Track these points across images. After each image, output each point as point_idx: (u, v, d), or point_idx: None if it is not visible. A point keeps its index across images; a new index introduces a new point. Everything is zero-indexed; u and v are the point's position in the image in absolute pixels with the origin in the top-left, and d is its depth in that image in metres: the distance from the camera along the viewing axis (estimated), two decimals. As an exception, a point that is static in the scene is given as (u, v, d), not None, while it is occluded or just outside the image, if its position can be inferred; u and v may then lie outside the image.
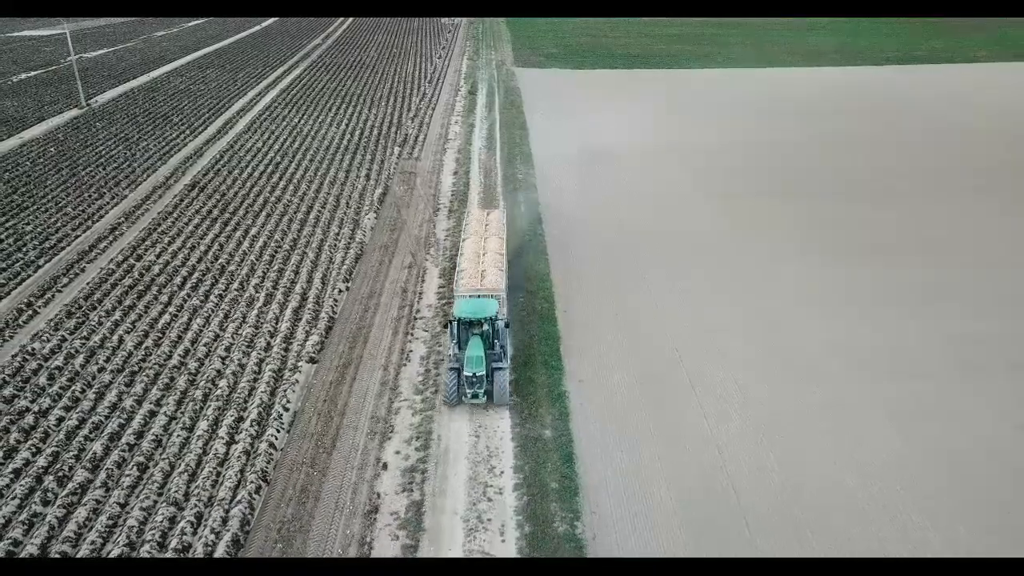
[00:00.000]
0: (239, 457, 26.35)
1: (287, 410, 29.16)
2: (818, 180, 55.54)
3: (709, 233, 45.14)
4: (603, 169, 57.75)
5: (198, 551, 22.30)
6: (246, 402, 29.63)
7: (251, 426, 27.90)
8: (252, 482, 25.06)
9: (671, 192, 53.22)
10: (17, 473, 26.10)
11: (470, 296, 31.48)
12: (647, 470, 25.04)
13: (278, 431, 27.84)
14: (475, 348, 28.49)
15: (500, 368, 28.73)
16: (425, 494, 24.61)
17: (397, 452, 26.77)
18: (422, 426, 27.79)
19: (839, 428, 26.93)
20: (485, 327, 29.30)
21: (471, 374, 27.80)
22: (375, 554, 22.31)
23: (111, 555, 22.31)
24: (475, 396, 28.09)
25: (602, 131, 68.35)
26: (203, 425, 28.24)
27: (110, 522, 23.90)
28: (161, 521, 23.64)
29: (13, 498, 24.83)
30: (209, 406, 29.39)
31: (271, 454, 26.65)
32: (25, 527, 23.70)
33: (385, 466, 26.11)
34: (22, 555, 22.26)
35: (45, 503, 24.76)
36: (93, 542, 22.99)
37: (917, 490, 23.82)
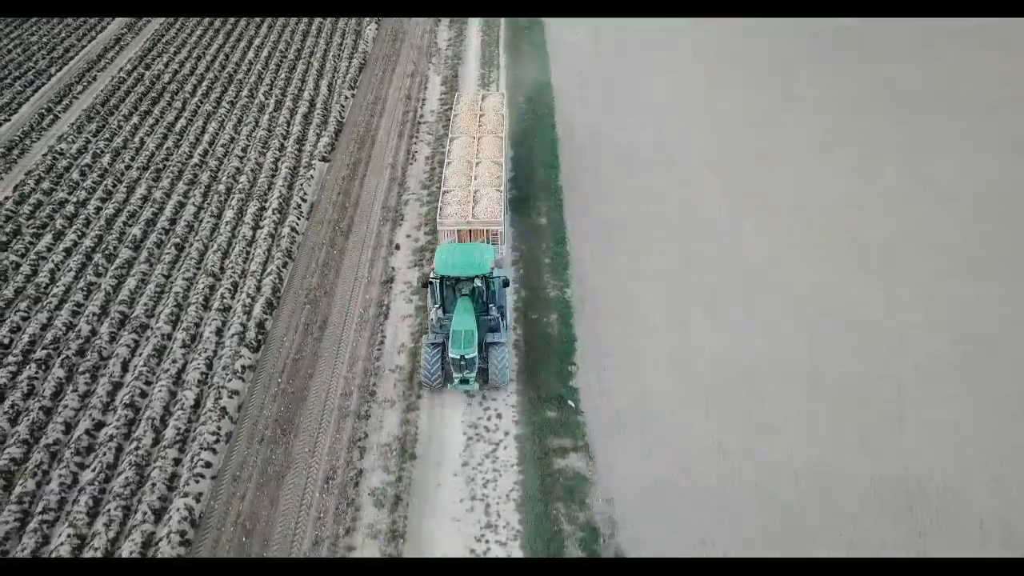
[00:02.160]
0: (265, 239, 29.27)
1: (304, 201, 31.77)
2: None
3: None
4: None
5: (237, 311, 25.70)
6: (266, 194, 32.20)
7: (273, 214, 30.61)
8: (279, 259, 28.13)
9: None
10: (68, 251, 29.19)
11: (458, 231, 26.33)
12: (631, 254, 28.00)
13: (298, 218, 30.60)
14: (463, 317, 21.98)
15: (497, 343, 22.15)
16: (433, 268, 27.75)
17: (408, 236, 29.65)
18: (429, 215, 30.45)
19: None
20: (477, 283, 23.03)
21: (458, 356, 21.36)
22: (393, 314, 25.70)
23: (162, 315, 25.73)
24: (464, 381, 21.89)
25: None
26: (229, 214, 30.98)
27: (157, 290, 27.25)
28: (202, 288, 26.94)
29: (68, 270, 28.04)
30: (232, 198, 32.00)
31: (294, 237, 29.56)
32: (84, 293, 27.07)
33: (397, 247, 29.09)
34: (80, 325, 25.54)
35: (97, 275, 27.99)
36: (145, 304, 26.42)
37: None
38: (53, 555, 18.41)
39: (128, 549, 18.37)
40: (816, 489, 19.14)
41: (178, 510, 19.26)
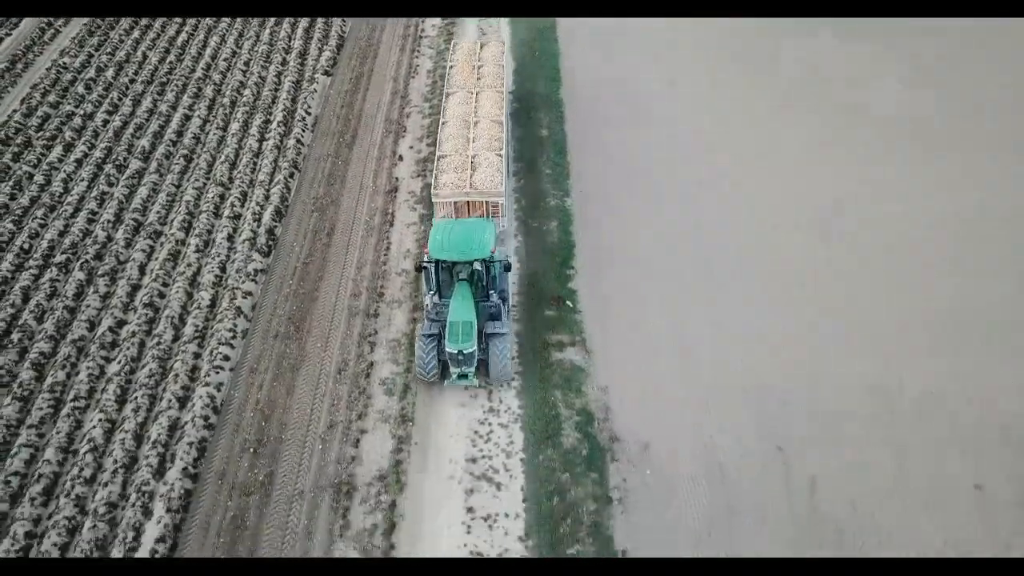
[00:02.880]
0: (271, 151, 29.86)
1: (309, 114, 32.19)
2: None
3: None
4: None
5: (247, 219, 26.56)
6: (271, 108, 32.60)
7: (278, 127, 31.09)
8: (285, 169, 28.80)
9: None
10: (79, 162, 29.84)
11: (454, 204, 24.03)
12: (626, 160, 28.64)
13: (303, 131, 31.09)
14: (461, 306, 20.11)
15: (498, 333, 20.37)
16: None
17: (411, 147, 30.21)
18: (431, 127, 30.92)
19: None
20: (476, 266, 21.04)
21: (456, 351, 19.62)
22: (398, 221, 26.55)
23: (174, 222, 26.60)
24: (462, 377, 20.19)
25: None
26: (235, 127, 31.46)
27: (169, 199, 28.04)
28: (212, 197, 27.73)
29: (81, 180, 28.77)
30: (238, 111, 32.40)
31: (299, 148, 30.14)
32: (98, 201, 27.87)
33: (401, 157, 29.70)
34: (96, 232, 26.40)
35: (109, 185, 28.73)
36: (158, 212, 27.27)
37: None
38: (86, 437, 19.80)
39: (156, 432, 19.76)
40: (804, 387, 20.37)
41: (200, 398, 20.59)
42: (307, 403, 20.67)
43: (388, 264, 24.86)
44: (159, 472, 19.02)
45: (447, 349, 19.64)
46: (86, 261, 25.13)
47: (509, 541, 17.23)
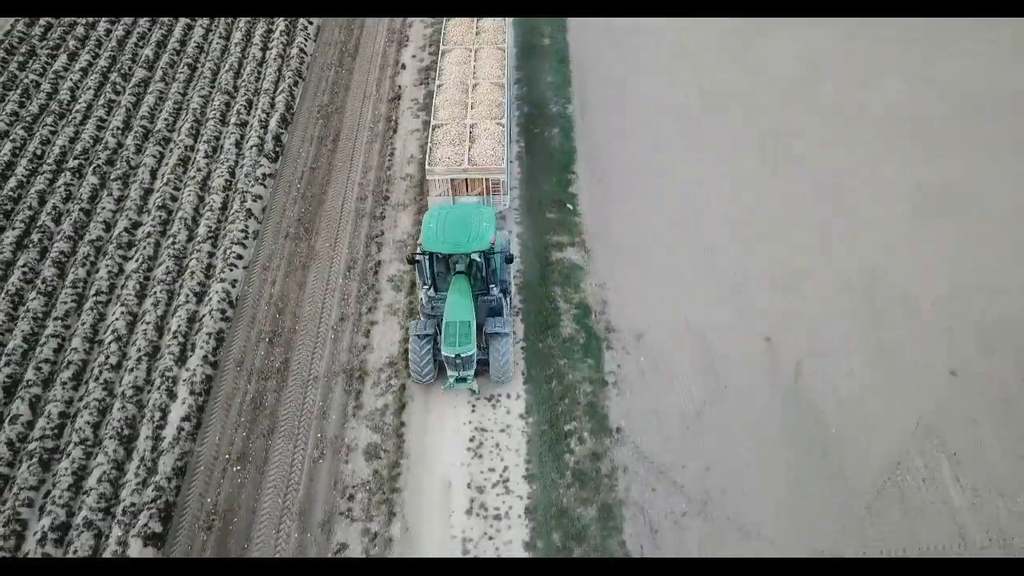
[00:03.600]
0: (275, 59, 30.05)
1: (311, 23, 32.20)
2: None
3: None
4: None
5: (254, 126, 27.02)
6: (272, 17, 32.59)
7: (281, 36, 31.15)
8: (289, 78, 29.08)
9: None
10: (84, 71, 30.09)
11: (450, 181, 21.99)
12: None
13: (305, 40, 31.18)
14: (458, 303, 18.29)
15: (499, 333, 18.51)
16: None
17: (413, 56, 30.38)
18: (434, 36, 30.96)
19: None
20: (475, 257, 18.82)
21: (453, 355, 17.87)
22: (401, 128, 27.02)
23: (182, 129, 27.07)
24: (461, 380, 18.58)
25: None
26: (237, 35, 31.55)
27: (175, 106, 28.43)
28: (218, 105, 28.11)
29: (87, 88, 29.09)
30: (240, 19, 32.39)
31: (302, 57, 30.32)
32: (106, 109, 28.28)
33: (403, 66, 29.92)
34: (106, 138, 26.86)
35: (116, 93, 29.04)
36: (166, 119, 27.71)
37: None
38: (110, 328, 20.87)
39: (176, 323, 20.82)
40: (793, 281, 21.33)
41: (216, 293, 21.58)
42: (319, 298, 21.66)
43: (392, 169, 25.46)
44: (181, 360, 20.15)
45: (443, 353, 17.82)
46: (98, 166, 25.74)
47: (511, 419, 18.45)
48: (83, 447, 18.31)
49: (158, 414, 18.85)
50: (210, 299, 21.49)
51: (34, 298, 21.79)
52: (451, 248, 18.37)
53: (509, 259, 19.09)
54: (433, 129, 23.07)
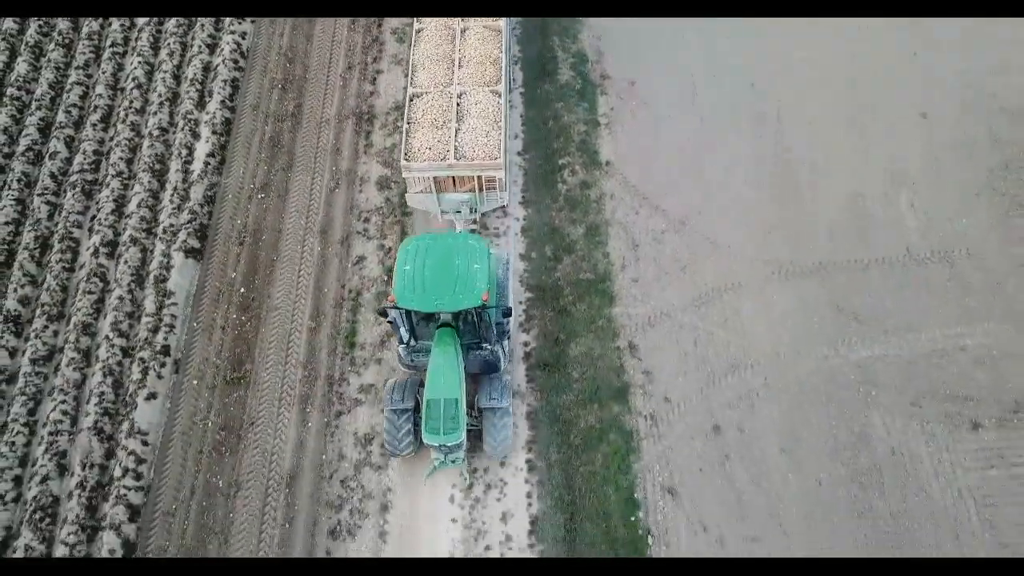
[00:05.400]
0: None
1: None
2: None
3: None
4: None
5: None
6: None
7: None
8: None
9: None
10: None
11: (434, 178, 17.26)
12: None
13: None
14: (441, 371, 14.54)
15: (495, 408, 15.16)
16: None
17: None
18: None
19: None
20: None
21: (436, 445, 14.52)
22: None
23: None
24: (450, 463, 15.14)
25: None
26: None
27: None
28: None
29: None
30: None
31: None
32: None
33: None
34: None
35: None
36: None
37: None
38: (130, 76, 21.96)
39: (192, 72, 21.88)
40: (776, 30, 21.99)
41: (228, 44, 22.42)
42: (326, 49, 22.52)
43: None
44: (200, 104, 21.46)
45: (424, 439, 14.42)
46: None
47: (511, 156, 20.01)
48: (120, 179, 20.13)
49: (184, 151, 20.47)
50: (222, 50, 22.38)
51: (53, 50, 22.72)
52: (431, 306, 14.46)
53: (507, 313, 14.99)
54: (410, 101, 17.96)
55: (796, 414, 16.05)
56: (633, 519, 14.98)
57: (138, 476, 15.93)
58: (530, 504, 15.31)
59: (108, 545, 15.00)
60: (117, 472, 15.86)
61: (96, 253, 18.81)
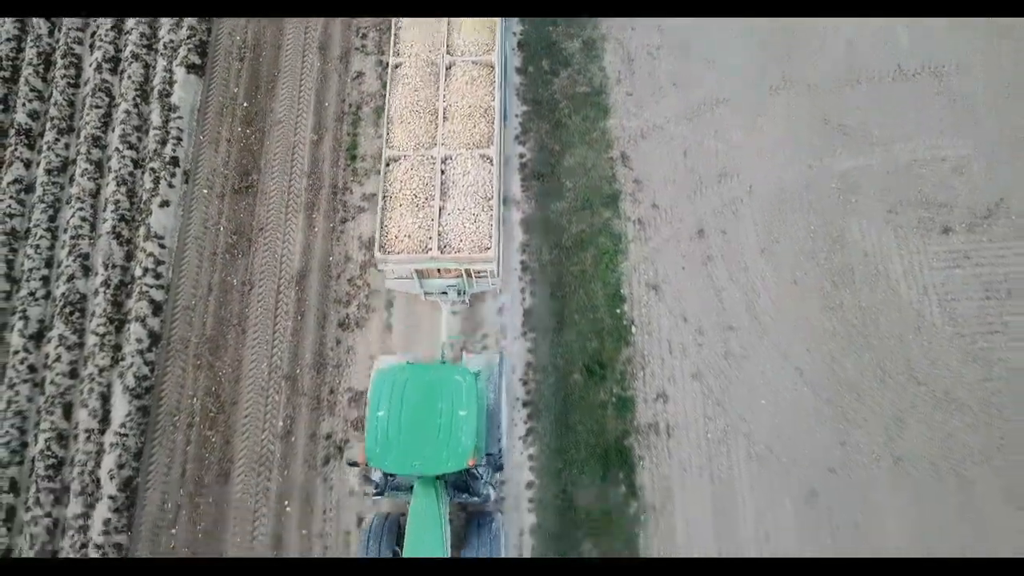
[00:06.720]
0: None
1: None
2: None
3: None
4: None
5: None
6: None
7: None
8: None
9: None
10: None
11: (415, 270, 14.86)
12: None
13: None
14: (421, 527, 12.17)
15: (484, 523, 13.71)
16: None
17: None
18: None
19: None
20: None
21: None
22: None
23: None
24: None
25: None
26: None
27: None
28: None
29: None
30: None
31: None
32: None
33: None
34: None
35: None
36: None
37: None
38: None
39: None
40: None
41: None
42: None
43: None
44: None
45: None
46: None
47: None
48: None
49: None
50: None
51: None
52: (407, 468, 12.32)
53: (499, 468, 13.77)
54: (386, 166, 15.11)
55: (777, 219, 16.87)
56: (618, 311, 16.16)
57: (158, 276, 17.05)
58: (524, 300, 16.46)
59: (135, 335, 16.33)
60: (138, 272, 16.96)
61: (99, 68, 19.09)
